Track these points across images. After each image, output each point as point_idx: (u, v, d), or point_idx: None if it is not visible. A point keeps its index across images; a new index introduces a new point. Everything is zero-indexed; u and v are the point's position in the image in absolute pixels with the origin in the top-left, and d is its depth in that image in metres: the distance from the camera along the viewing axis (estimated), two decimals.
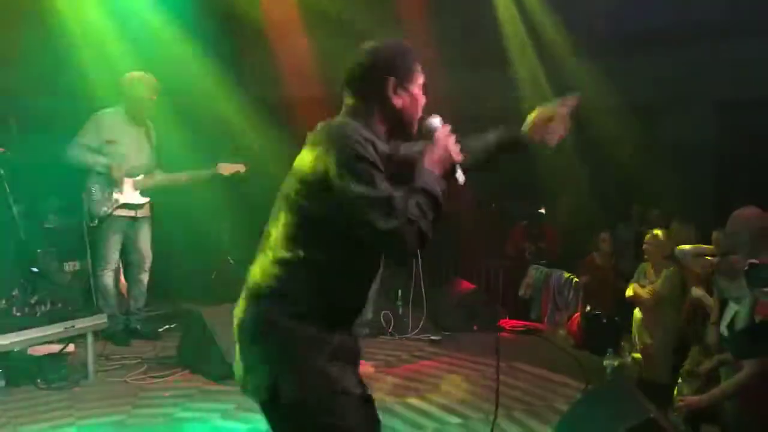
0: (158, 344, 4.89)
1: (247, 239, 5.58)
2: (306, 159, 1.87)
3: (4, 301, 4.23)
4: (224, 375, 4.11)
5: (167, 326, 5.27)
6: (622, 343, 4.79)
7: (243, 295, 1.95)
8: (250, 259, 1.99)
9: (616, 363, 4.22)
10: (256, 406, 1.94)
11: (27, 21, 5.28)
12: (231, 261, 6.04)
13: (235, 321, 1.96)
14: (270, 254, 1.89)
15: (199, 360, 4.30)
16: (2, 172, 4.73)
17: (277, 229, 1.90)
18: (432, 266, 5.94)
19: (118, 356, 4.64)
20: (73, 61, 5.43)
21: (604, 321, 5.16)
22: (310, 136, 1.92)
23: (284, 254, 1.87)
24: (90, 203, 4.79)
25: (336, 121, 1.95)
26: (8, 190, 4.81)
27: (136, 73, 4.89)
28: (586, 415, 3.20)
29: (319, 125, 1.94)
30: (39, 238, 4.95)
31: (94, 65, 5.39)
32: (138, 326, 5.05)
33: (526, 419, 3.72)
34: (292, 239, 1.86)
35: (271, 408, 1.90)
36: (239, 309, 1.95)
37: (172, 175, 5.04)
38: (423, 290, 5.61)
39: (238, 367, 1.98)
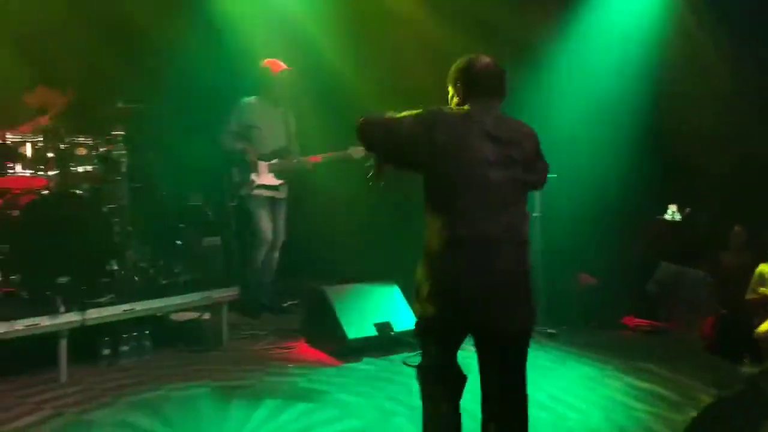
0: (284, 318, 5.20)
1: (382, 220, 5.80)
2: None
3: (152, 270, 4.68)
4: (343, 351, 4.33)
5: (292, 302, 5.57)
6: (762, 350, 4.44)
7: (510, 246, 2.39)
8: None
9: (756, 370, 3.91)
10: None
11: (177, 10, 5.72)
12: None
13: (510, 267, 2.39)
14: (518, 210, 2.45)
15: (321, 336, 4.52)
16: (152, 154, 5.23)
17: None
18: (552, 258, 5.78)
19: (247, 327, 4.99)
20: (217, 49, 5.81)
21: (741, 325, 4.81)
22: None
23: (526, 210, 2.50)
24: (231, 184, 5.21)
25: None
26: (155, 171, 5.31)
27: (274, 60, 5.19)
28: (716, 424, 3.02)
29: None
30: (183, 215, 5.40)
31: (236, 52, 5.72)
32: (266, 300, 5.39)
33: (652, 422, 3.56)
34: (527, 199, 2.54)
35: (522, 339, 2.44)
36: (508, 260, 2.38)
37: (302, 159, 5.29)
38: (540, 282, 5.49)
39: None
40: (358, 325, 4.37)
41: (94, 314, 3.97)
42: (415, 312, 2.53)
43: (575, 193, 5.49)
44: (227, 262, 5.41)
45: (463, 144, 2.37)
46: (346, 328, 4.28)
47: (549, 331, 5.18)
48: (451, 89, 2.60)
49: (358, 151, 4.97)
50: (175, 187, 5.51)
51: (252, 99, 5.24)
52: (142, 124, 5.00)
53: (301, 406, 3.58)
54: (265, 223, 5.22)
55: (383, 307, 4.57)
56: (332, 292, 4.49)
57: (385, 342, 4.38)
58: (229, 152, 5.19)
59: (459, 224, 2.34)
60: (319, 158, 5.26)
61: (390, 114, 2.47)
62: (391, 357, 4.29)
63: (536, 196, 5.06)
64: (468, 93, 2.51)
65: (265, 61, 5.24)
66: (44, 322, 3.79)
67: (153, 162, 5.31)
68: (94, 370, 4.05)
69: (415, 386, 2.53)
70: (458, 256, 2.34)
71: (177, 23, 5.67)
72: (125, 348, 4.25)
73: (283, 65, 5.22)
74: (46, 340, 3.84)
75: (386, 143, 2.47)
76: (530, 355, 2.49)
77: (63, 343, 3.86)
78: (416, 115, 2.43)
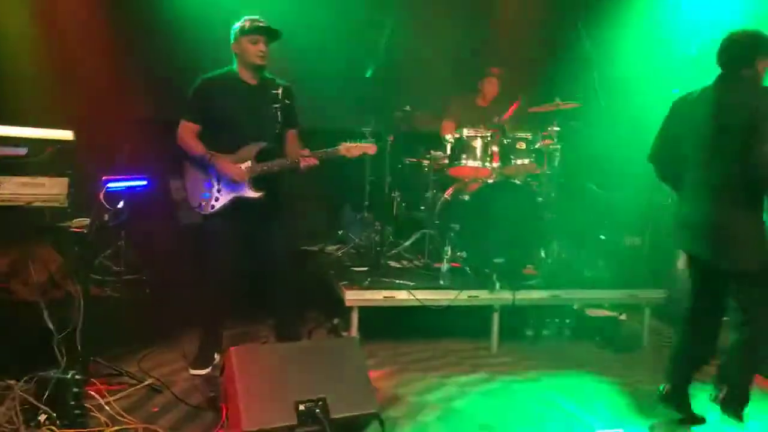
0: None
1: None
2: None
3: (576, 262, 4.82)
4: None
5: None
6: None
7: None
8: None
9: None
10: None
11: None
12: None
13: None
14: None
15: None
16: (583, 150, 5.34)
17: None
18: None
19: (669, 332, 4.70)
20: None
21: None
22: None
23: None
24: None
25: None
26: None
27: None
28: None
29: None
30: (607, 212, 5.39)
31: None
32: None
33: None
34: None
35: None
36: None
37: None
38: None
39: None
40: None
41: (523, 295, 4.31)
42: None
43: None
44: (648, 263, 5.19)
45: None
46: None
47: None
48: None
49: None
50: (602, 184, 5.53)
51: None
52: (576, 120, 5.17)
53: None
54: None
55: None
56: None
57: None
58: None
59: None
60: None
61: None
62: None
63: None
64: None
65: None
66: (483, 295, 4.29)
67: (583, 158, 5.43)
68: (519, 345, 4.40)
69: None
70: None
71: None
72: (546, 332, 4.50)
73: None
74: (481, 312, 4.34)
75: None
76: None
77: (496, 317, 4.31)
78: None
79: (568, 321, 4.57)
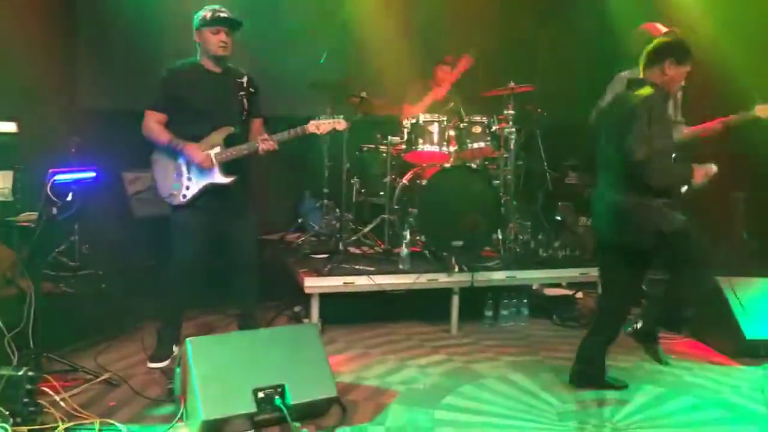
0: None
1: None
2: None
3: (533, 243, 4.91)
4: (738, 351, 3.87)
5: None
6: None
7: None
8: None
9: None
10: None
11: None
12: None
13: None
14: None
15: (712, 331, 4.11)
16: (538, 131, 5.43)
17: None
18: None
19: None
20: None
21: None
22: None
23: None
24: None
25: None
26: (541, 147, 5.50)
27: (652, 24, 4.74)
28: None
29: None
30: (562, 193, 5.51)
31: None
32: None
33: None
34: None
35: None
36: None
37: None
38: None
39: None
40: (760, 324, 3.84)
41: (482, 276, 4.37)
42: None
43: None
44: None
45: None
46: (743, 326, 3.81)
47: None
48: None
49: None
50: (555, 166, 5.64)
51: (625, 73, 4.86)
52: (530, 103, 5.23)
53: (686, 400, 3.35)
54: None
55: None
56: (730, 284, 4.02)
57: None
58: None
59: None
60: None
61: None
62: None
63: None
64: None
65: (645, 25, 4.77)
66: (442, 278, 4.34)
67: (537, 141, 5.52)
68: (478, 327, 4.48)
69: None
70: None
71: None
72: (505, 312, 4.59)
73: (664, 28, 4.68)
74: (441, 295, 4.39)
75: None
76: None
77: (455, 299, 4.37)
78: None
79: (525, 301, 4.66)
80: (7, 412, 2.70)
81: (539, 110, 5.53)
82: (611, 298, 3.47)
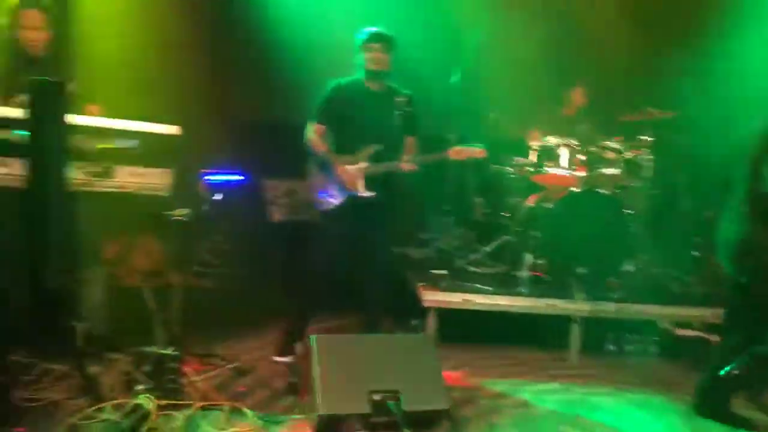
0: None
1: None
2: None
3: (664, 277, 4.65)
4: None
5: None
6: None
7: None
8: None
9: None
10: None
11: None
12: None
13: None
14: None
15: None
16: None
17: None
18: None
19: None
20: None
21: None
22: None
23: None
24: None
25: None
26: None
27: None
28: None
29: None
30: (700, 228, 5.15)
31: None
32: None
33: None
34: None
35: None
36: None
37: None
38: None
39: None
40: None
41: (605, 307, 4.21)
42: None
43: None
44: None
45: None
46: None
47: None
48: None
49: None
50: (696, 199, 5.30)
51: None
52: (671, 131, 4.99)
53: None
54: None
55: None
56: None
57: None
58: None
59: None
60: None
61: None
62: None
63: None
64: None
65: None
66: (561, 304, 4.24)
67: (677, 171, 5.23)
68: (599, 359, 4.31)
69: None
70: None
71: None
72: (630, 347, 4.37)
73: None
74: (560, 322, 4.28)
75: None
76: None
77: (575, 328, 4.24)
78: None
79: (654, 338, 4.41)
80: (152, 386, 3.00)
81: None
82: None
